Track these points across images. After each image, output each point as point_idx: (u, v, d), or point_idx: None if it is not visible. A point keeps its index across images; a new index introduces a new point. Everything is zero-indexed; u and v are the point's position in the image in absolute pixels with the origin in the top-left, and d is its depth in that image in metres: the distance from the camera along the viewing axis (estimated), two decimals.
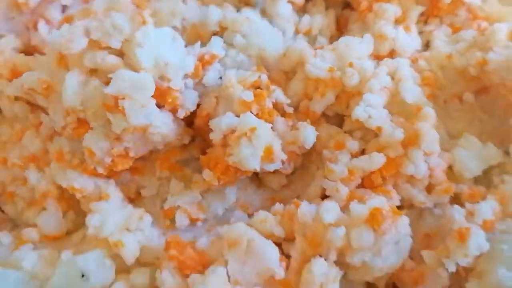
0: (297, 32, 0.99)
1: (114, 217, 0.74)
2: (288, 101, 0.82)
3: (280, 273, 0.70)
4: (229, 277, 0.69)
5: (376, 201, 0.72)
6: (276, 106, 0.80)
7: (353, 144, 0.81)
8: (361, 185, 0.80)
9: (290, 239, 0.75)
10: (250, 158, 0.73)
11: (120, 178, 0.81)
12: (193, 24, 0.84)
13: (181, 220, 0.79)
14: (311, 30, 1.00)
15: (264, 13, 0.94)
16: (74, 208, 0.79)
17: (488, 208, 0.75)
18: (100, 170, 0.77)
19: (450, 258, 0.72)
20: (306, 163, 0.84)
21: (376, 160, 0.78)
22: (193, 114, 0.81)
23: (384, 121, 0.80)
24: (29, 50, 0.90)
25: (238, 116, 0.76)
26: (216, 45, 0.82)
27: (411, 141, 0.79)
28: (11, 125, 0.84)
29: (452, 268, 0.72)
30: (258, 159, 0.74)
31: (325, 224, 0.72)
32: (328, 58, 0.84)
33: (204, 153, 0.82)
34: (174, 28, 0.78)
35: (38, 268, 0.74)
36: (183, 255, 0.69)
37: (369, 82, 0.81)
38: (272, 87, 0.81)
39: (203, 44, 0.83)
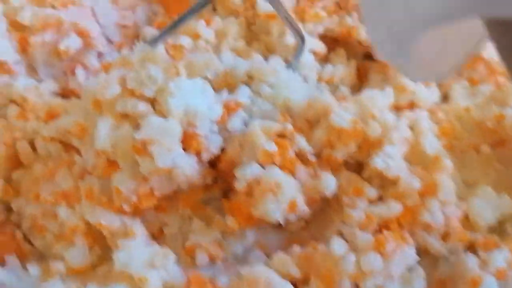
0: (319, 80, 1.04)
1: (141, 254, 0.77)
2: (311, 149, 0.85)
3: None
4: None
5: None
6: (299, 154, 0.83)
7: (372, 191, 0.84)
8: (379, 231, 0.82)
9: (306, 280, 0.77)
10: (274, 212, 0.77)
11: (144, 215, 0.84)
12: (224, 73, 0.87)
13: (202, 258, 0.82)
14: (333, 79, 1.04)
15: (287, 61, 0.98)
16: (100, 243, 0.82)
17: (501, 257, 0.77)
18: (126, 207, 0.80)
19: None
20: (324, 207, 0.86)
21: (394, 208, 0.80)
22: (217, 156, 0.85)
23: (402, 171, 0.82)
24: (66, 94, 0.96)
25: (262, 165, 0.80)
26: (243, 94, 0.86)
27: (428, 191, 0.81)
28: (45, 163, 0.88)
29: None
30: (282, 213, 0.78)
31: (336, 258, 0.75)
32: (351, 109, 0.87)
33: (225, 194, 0.86)
34: (206, 78, 0.83)
35: None
36: None
37: (390, 134, 0.84)
38: (296, 135, 0.84)
39: (231, 92, 0.87)
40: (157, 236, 0.86)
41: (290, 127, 0.85)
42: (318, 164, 0.86)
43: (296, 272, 0.77)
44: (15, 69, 0.95)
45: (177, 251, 0.82)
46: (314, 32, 1.06)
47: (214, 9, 1.06)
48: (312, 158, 0.85)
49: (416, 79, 0.87)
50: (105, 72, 0.83)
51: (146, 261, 0.77)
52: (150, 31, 1.04)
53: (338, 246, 0.77)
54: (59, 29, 0.93)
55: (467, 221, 0.84)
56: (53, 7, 0.95)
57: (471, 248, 0.82)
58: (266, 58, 0.97)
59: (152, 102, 0.80)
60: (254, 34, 1.06)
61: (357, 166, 0.89)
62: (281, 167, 0.80)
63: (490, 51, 1.00)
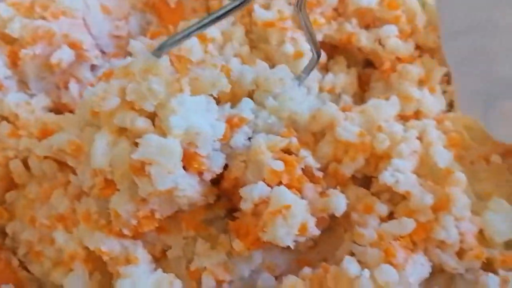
0: (320, 90, 1.01)
1: (144, 282, 0.73)
2: (318, 165, 0.81)
3: None
4: None
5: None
6: (306, 170, 0.80)
7: (382, 208, 0.81)
8: None
9: None
10: (285, 237, 0.73)
11: (146, 237, 0.80)
12: (231, 82, 0.83)
13: (208, 282, 0.78)
14: (335, 88, 1.01)
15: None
16: (100, 269, 0.79)
17: None
18: (126, 231, 0.76)
19: None
20: (333, 225, 0.83)
21: (406, 225, 0.77)
22: (220, 173, 0.81)
23: (413, 185, 0.79)
24: (59, 108, 0.92)
25: (268, 184, 0.76)
26: (246, 107, 0.82)
27: (441, 206, 0.78)
28: (40, 184, 0.85)
29: None
30: (292, 237, 0.74)
31: (350, 278, 0.72)
32: (356, 120, 0.84)
33: (229, 213, 0.82)
34: (210, 95, 0.78)
35: None
36: None
37: (399, 147, 0.81)
38: (302, 151, 0.80)
39: (233, 105, 0.83)
40: (160, 258, 0.82)
41: (295, 141, 0.82)
42: (325, 178, 0.83)
43: None
44: (5, 84, 0.91)
45: (181, 275, 0.79)
46: None
47: None
48: (319, 174, 0.82)
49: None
50: (105, 81, 0.78)
51: None
52: (142, 42, 1.00)
53: (350, 265, 0.74)
54: (50, 41, 0.89)
55: (482, 237, 0.82)
56: (44, 18, 0.91)
57: (489, 265, 0.79)
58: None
59: (153, 117, 0.76)
60: (252, 42, 1.03)
61: (365, 180, 0.86)
62: (289, 186, 0.76)
63: None
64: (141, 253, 0.77)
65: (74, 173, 0.82)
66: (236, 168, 0.79)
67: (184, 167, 0.75)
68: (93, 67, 0.98)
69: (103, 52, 1.01)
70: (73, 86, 0.92)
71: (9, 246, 0.85)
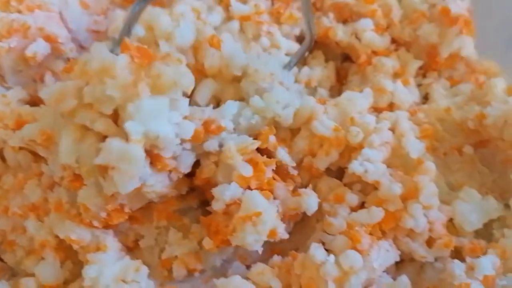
0: (296, 82, 1.01)
1: (111, 268, 0.73)
2: (293, 163, 0.82)
3: None
4: None
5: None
6: (280, 168, 0.80)
7: (353, 198, 0.81)
8: None
9: None
10: (253, 243, 0.73)
11: (118, 227, 0.80)
12: (220, 62, 0.84)
13: (179, 271, 0.79)
14: (311, 81, 1.02)
15: None
16: (72, 258, 0.79)
17: (488, 264, 0.75)
18: (96, 223, 0.76)
19: None
20: (305, 217, 0.84)
21: (375, 214, 0.78)
22: (194, 166, 0.81)
23: (382, 175, 0.80)
24: (35, 101, 0.92)
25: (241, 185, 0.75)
26: (228, 113, 0.81)
27: (410, 195, 0.79)
28: (14, 174, 0.85)
29: None
30: (261, 243, 0.74)
31: (316, 264, 0.73)
32: (331, 113, 0.85)
33: (203, 204, 0.83)
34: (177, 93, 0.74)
35: None
36: None
37: (370, 137, 0.81)
38: (279, 149, 0.81)
39: (217, 81, 0.82)
40: (132, 248, 0.82)
41: (273, 139, 0.81)
42: (299, 173, 0.83)
43: (276, 284, 0.74)
44: None
45: (154, 264, 0.79)
46: (290, 34, 1.04)
47: None
48: (294, 172, 0.82)
49: None
50: (65, 77, 0.76)
51: (117, 276, 0.73)
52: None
53: (317, 251, 0.74)
54: (25, 34, 0.89)
55: (452, 226, 0.82)
56: (19, 11, 0.91)
57: (458, 253, 0.80)
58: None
59: (114, 117, 0.73)
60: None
61: (339, 172, 0.87)
62: (259, 189, 0.76)
63: (469, 50, 0.98)
64: (111, 242, 0.77)
65: (47, 163, 0.82)
66: (207, 169, 0.79)
67: (152, 164, 0.74)
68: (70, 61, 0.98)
69: (82, 47, 1.01)
70: (49, 79, 0.92)
71: None
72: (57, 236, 0.78)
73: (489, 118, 0.85)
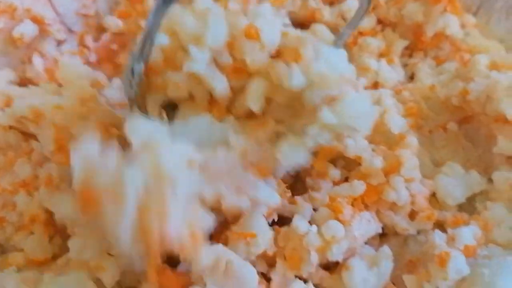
0: None
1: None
2: None
3: None
4: None
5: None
6: None
7: (335, 173, 0.82)
8: None
9: (272, 264, 0.76)
10: None
11: None
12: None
13: None
14: None
15: None
16: (61, 233, 0.80)
17: (469, 234, 0.76)
18: None
19: (430, 282, 0.73)
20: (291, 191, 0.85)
21: (357, 187, 0.79)
22: None
23: (363, 150, 0.81)
24: (24, 82, 0.94)
25: None
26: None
27: (392, 169, 0.80)
28: (5, 153, 0.86)
29: None
30: None
31: (299, 235, 0.74)
32: None
33: None
34: None
35: None
36: (164, 278, 0.70)
37: None
38: None
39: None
40: None
41: None
42: None
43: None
44: None
45: None
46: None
47: None
48: None
49: None
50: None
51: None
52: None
53: (299, 223, 0.75)
54: (12, 16, 0.90)
55: (435, 200, 0.84)
56: None
57: (441, 227, 0.81)
58: None
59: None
60: None
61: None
62: None
63: (453, 28, 0.99)
64: None
65: (37, 140, 0.84)
66: None
67: None
68: (60, 43, 0.99)
69: (70, 31, 1.02)
70: (37, 60, 0.94)
71: None
72: (47, 211, 0.79)
73: (472, 94, 0.86)
